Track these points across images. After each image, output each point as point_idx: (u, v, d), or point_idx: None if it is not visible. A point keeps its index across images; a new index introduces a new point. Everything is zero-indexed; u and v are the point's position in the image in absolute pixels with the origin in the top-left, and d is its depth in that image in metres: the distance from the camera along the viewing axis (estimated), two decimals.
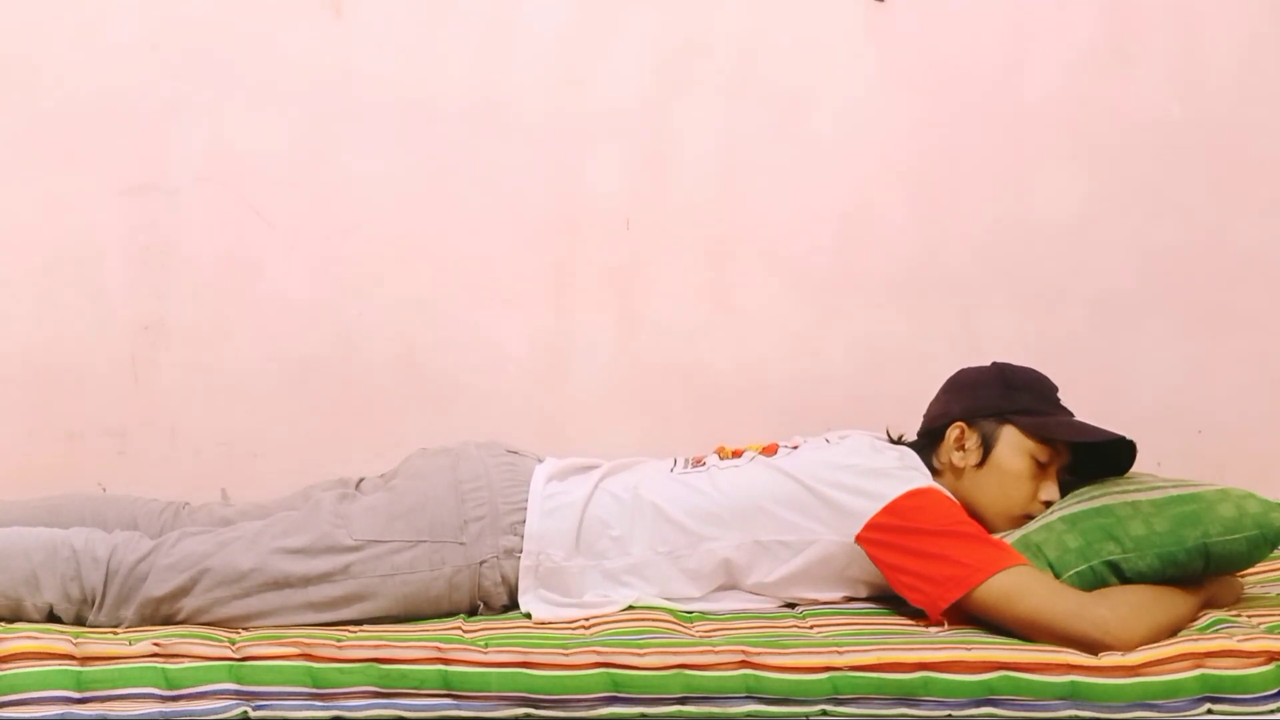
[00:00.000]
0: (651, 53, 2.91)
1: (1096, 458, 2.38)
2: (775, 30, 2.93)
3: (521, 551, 2.29)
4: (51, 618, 2.16)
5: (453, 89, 2.89)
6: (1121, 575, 2.19)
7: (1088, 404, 2.48)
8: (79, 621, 2.16)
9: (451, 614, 2.26)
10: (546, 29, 2.90)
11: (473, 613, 2.28)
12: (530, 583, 2.29)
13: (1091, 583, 2.19)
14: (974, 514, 2.34)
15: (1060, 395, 2.45)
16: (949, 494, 2.33)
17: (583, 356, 2.93)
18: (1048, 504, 2.35)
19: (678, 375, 2.94)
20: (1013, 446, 2.36)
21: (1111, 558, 2.19)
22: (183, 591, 2.16)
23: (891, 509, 2.26)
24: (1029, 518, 2.35)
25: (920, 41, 2.95)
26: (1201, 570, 2.21)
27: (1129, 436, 2.36)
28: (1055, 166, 2.98)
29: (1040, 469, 2.36)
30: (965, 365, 2.53)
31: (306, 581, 2.20)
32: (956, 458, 2.39)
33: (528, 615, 2.28)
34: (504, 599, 2.30)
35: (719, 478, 2.37)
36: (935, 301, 2.97)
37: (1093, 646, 2.06)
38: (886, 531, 2.25)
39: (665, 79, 2.91)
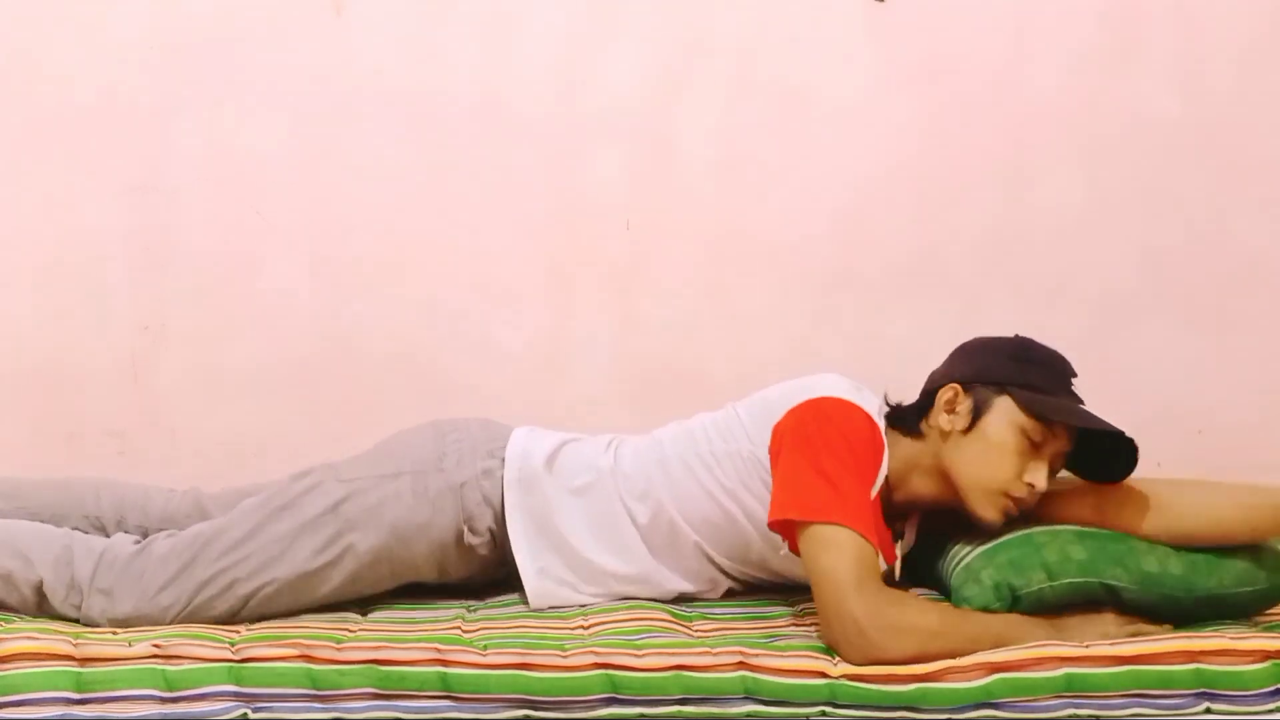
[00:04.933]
0: (651, 53, 2.91)
1: (1099, 459, 2.30)
2: (775, 30, 2.93)
3: (502, 475, 2.34)
4: (43, 603, 2.18)
5: (453, 89, 2.90)
6: (1119, 600, 2.18)
7: (1088, 404, 2.46)
8: (73, 608, 2.18)
9: (441, 544, 2.30)
10: (547, 29, 2.90)
11: (460, 543, 2.32)
12: (515, 498, 2.34)
13: (1084, 596, 2.18)
14: (951, 482, 2.27)
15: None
16: (855, 409, 2.26)
17: (583, 356, 2.93)
18: (1032, 487, 2.23)
19: (677, 375, 2.94)
20: (1004, 417, 2.25)
21: (1114, 582, 2.17)
22: (183, 567, 2.19)
23: (797, 411, 2.26)
24: (1010, 498, 2.24)
25: (920, 40, 2.95)
26: (1209, 618, 2.18)
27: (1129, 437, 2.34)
28: (1056, 165, 2.98)
29: (1032, 448, 2.24)
30: None
31: (301, 529, 2.24)
32: (944, 420, 2.29)
33: (523, 601, 2.32)
34: (489, 521, 2.33)
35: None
36: (935, 301, 2.97)
37: (841, 634, 2.04)
38: (786, 433, 2.25)
39: (665, 79, 2.92)
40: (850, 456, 2.20)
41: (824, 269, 2.96)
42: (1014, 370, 2.28)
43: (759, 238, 2.96)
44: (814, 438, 2.20)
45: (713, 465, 2.33)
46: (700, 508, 2.33)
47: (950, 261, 2.98)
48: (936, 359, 2.51)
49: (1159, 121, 2.97)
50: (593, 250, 2.93)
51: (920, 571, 2.38)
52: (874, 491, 2.23)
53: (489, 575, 2.41)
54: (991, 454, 2.24)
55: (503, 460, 2.36)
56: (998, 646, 2.05)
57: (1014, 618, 2.15)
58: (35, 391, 2.86)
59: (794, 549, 2.20)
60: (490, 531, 2.34)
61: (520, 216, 2.93)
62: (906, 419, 2.35)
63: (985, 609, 2.17)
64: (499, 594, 2.41)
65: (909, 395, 2.46)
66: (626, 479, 2.36)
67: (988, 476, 2.24)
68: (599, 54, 2.92)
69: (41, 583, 2.18)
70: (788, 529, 2.20)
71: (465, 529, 2.32)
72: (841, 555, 2.09)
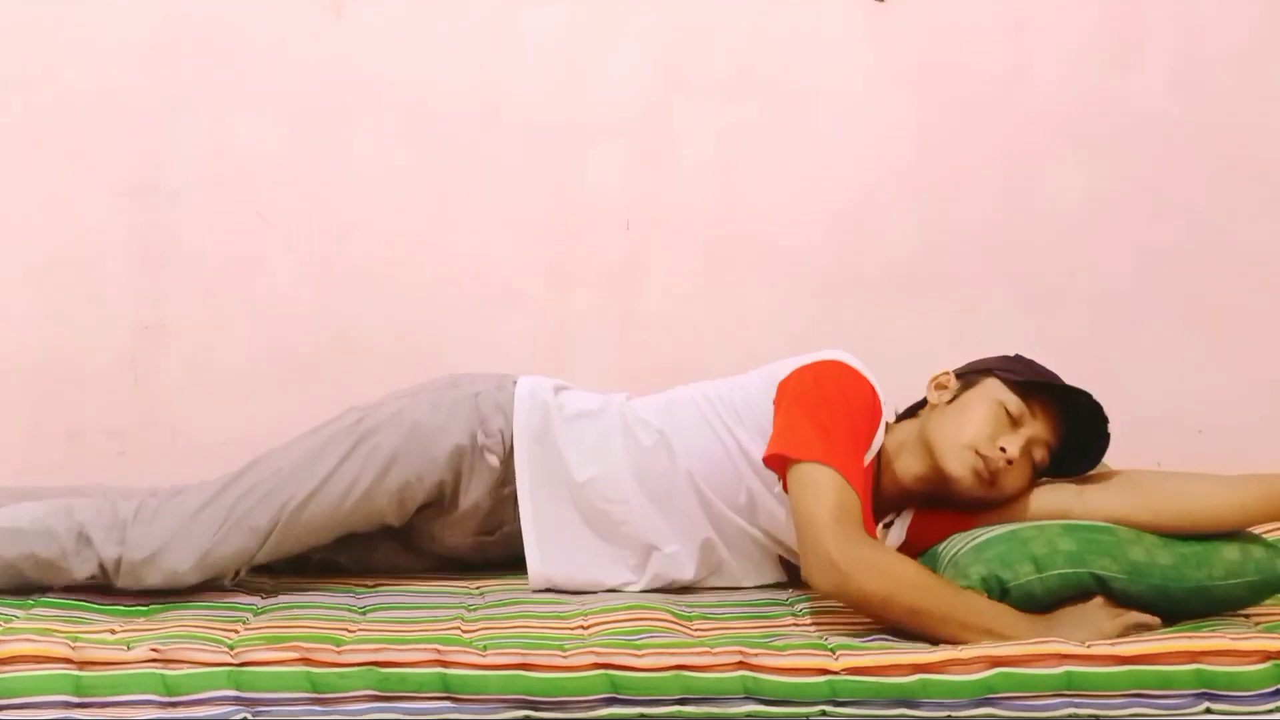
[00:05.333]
0: (651, 53, 2.92)
1: (1078, 463, 2.35)
2: (775, 30, 2.93)
3: (514, 391, 2.47)
4: (81, 551, 2.25)
5: (453, 89, 2.91)
6: (1108, 590, 2.18)
7: None
8: (116, 544, 2.26)
9: (458, 447, 2.41)
10: (547, 29, 2.91)
11: (474, 447, 2.42)
12: (526, 409, 2.45)
13: (1074, 587, 2.17)
14: (928, 449, 2.32)
15: None
16: (858, 374, 2.37)
17: (583, 356, 2.94)
18: (1004, 452, 2.26)
19: (678, 375, 2.92)
20: (987, 390, 2.33)
21: (1102, 572, 2.17)
22: (221, 489, 2.33)
23: (803, 369, 2.38)
24: (980, 456, 2.27)
25: (920, 40, 2.96)
26: (1200, 611, 2.19)
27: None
28: (1055, 165, 2.99)
29: (1010, 420, 2.30)
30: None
31: (327, 441, 2.40)
32: (933, 396, 2.41)
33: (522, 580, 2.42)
34: (499, 424, 2.44)
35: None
36: (935, 301, 2.98)
37: (816, 565, 2.14)
38: (790, 385, 2.36)
39: (665, 79, 2.92)
40: (846, 412, 2.29)
41: (824, 269, 2.97)
42: (1005, 362, 2.41)
43: (759, 238, 2.96)
44: (813, 391, 2.32)
45: (718, 405, 2.44)
46: (698, 439, 2.43)
47: (950, 262, 2.98)
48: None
49: (1159, 121, 2.98)
50: (593, 250, 2.94)
51: None
52: (866, 458, 2.31)
53: (495, 498, 2.45)
54: (966, 416, 2.32)
55: (515, 382, 2.50)
56: (976, 621, 2.10)
57: (1001, 605, 2.16)
58: (35, 391, 2.87)
59: (786, 489, 2.27)
60: (500, 434, 2.43)
61: (520, 216, 2.93)
62: (906, 412, 2.46)
63: None
64: (499, 578, 2.47)
65: (908, 396, 2.47)
66: (633, 410, 2.49)
67: (960, 431, 2.30)
68: (599, 54, 2.92)
69: (83, 525, 2.26)
70: (780, 466, 2.27)
71: (479, 431, 2.42)
72: (824, 493, 2.17)
